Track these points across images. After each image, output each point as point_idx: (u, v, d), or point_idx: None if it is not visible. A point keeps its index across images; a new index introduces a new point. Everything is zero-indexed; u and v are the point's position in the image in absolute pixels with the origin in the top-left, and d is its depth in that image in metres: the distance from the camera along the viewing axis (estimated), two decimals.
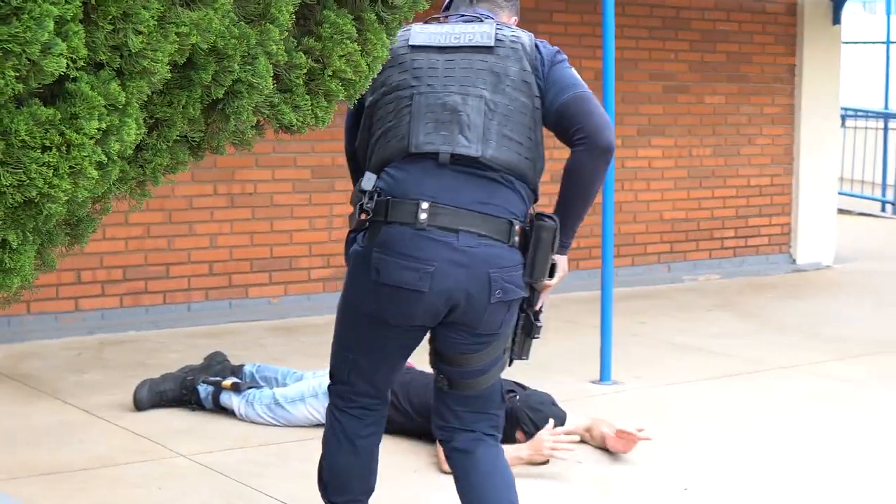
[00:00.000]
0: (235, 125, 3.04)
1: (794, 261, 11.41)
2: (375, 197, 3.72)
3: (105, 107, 2.60)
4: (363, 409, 3.99)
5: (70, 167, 2.56)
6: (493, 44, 3.80)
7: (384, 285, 3.69)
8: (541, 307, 3.89)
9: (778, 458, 5.68)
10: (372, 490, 4.11)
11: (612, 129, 3.81)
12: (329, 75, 3.20)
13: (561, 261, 3.87)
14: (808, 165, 11.37)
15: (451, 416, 3.91)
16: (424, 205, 3.66)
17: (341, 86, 3.26)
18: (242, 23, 2.91)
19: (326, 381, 5.64)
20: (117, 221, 8.11)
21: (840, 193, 12.73)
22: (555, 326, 8.53)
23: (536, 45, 3.85)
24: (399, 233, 3.67)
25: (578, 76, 3.87)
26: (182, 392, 6.17)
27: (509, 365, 3.93)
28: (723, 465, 5.59)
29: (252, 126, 3.14)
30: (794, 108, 11.30)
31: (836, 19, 11.27)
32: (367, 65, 3.31)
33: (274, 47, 2.98)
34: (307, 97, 3.21)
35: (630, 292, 10.14)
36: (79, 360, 7.26)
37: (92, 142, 2.59)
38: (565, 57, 3.89)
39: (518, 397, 5.67)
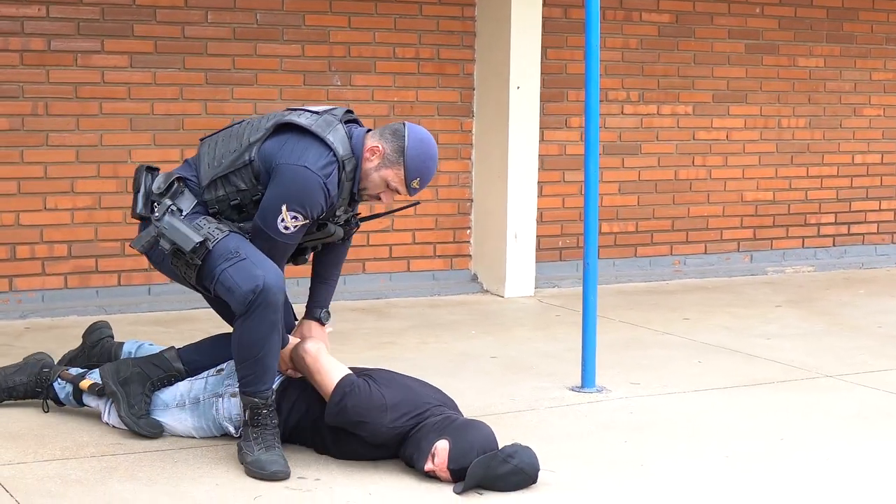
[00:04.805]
0: None
1: None
2: None
3: None
4: None
5: None
6: None
7: None
8: None
9: (773, 493, 4.30)
10: None
11: None
12: None
13: None
14: None
15: None
16: None
17: None
18: None
19: (199, 385, 4.57)
20: (61, 189, 7.09)
21: None
22: (575, 320, 7.19)
23: None
24: None
25: None
26: (36, 389, 5.08)
27: None
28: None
29: None
30: None
31: None
32: None
33: None
34: None
35: (695, 284, 8.72)
36: None
37: None
38: None
39: (424, 426, 4.41)
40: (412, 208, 5.05)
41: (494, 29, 7.92)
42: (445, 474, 4.29)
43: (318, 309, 4.93)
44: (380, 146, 4.49)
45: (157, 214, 4.55)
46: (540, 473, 4.32)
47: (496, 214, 8.01)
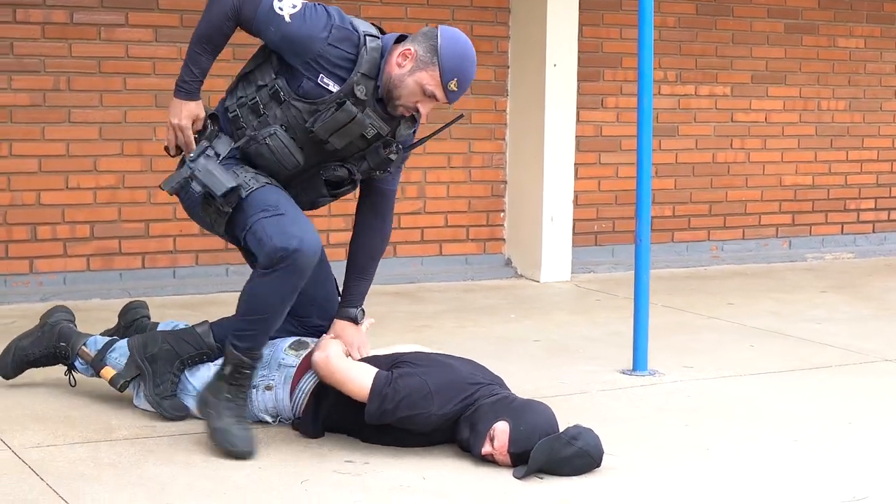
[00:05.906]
0: None
1: None
2: None
3: None
4: None
5: None
6: None
7: None
8: None
9: (851, 475, 4.04)
10: None
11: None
12: None
13: None
14: None
15: None
16: None
17: None
18: None
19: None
20: (84, 168, 6.84)
21: None
22: (616, 304, 6.96)
23: None
24: None
25: None
26: (56, 363, 4.86)
27: None
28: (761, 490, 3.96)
29: None
30: None
31: None
32: None
33: None
34: None
35: (734, 269, 8.47)
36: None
37: None
38: None
39: (479, 407, 4.13)
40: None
41: (530, 5, 7.66)
42: (504, 458, 4.02)
43: (352, 308, 4.56)
44: (411, 48, 4.16)
45: (191, 155, 4.27)
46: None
47: (531, 197, 7.74)
